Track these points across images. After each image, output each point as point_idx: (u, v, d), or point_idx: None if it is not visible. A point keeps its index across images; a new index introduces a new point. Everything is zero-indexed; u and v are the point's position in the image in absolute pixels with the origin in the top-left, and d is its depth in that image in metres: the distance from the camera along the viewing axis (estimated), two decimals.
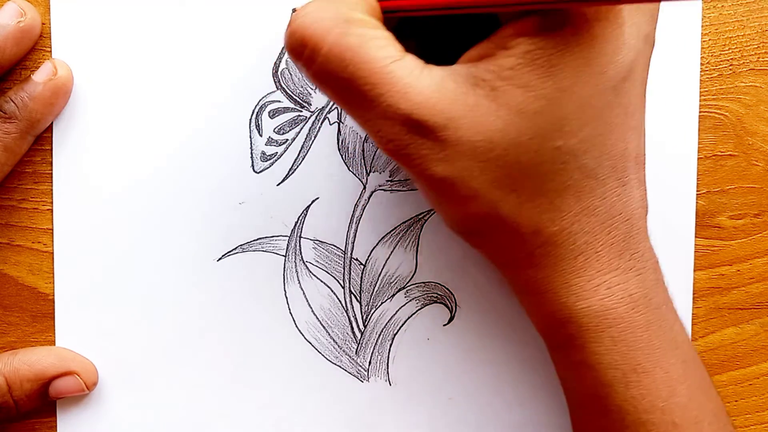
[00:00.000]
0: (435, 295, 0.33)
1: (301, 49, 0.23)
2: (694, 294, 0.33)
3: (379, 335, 0.33)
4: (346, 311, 0.33)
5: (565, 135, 0.23)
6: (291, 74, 0.32)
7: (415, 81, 0.23)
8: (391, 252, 0.33)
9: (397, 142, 0.23)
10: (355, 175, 0.33)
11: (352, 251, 0.33)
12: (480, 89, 0.23)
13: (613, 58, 0.23)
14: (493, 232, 0.25)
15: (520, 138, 0.23)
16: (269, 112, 0.32)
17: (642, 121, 0.26)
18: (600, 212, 0.25)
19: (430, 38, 0.29)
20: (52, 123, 0.32)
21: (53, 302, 0.32)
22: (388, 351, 0.33)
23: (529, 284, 0.26)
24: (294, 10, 0.27)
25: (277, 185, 0.32)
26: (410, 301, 0.33)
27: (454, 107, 0.23)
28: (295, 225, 0.33)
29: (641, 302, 0.25)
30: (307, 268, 0.33)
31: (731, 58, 0.33)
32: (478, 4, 0.23)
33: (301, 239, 0.33)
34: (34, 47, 0.31)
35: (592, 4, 0.22)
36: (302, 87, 0.32)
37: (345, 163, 0.33)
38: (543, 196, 0.24)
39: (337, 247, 0.33)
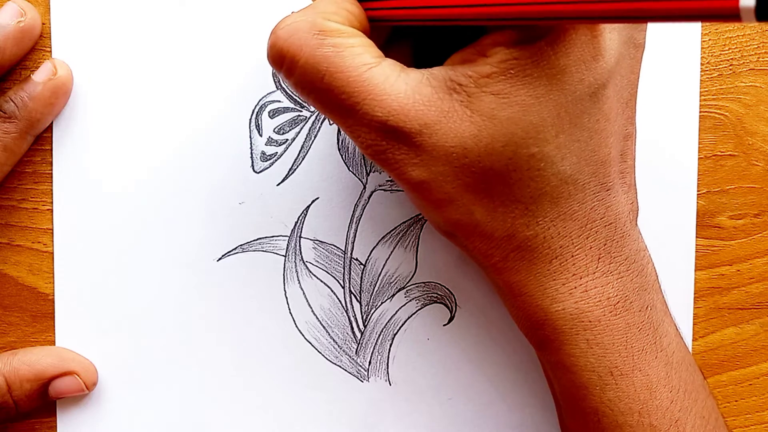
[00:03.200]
0: (435, 295, 0.33)
1: (280, 62, 0.24)
2: (694, 294, 0.33)
3: (379, 335, 0.33)
4: (346, 311, 0.33)
5: (540, 142, 0.23)
6: None
7: (390, 87, 0.23)
8: (391, 252, 0.33)
9: (375, 147, 0.24)
10: (355, 175, 0.33)
11: (352, 251, 0.33)
12: (456, 95, 0.23)
13: (591, 65, 0.23)
14: (469, 235, 0.26)
15: (493, 144, 0.23)
16: (269, 112, 0.32)
17: (628, 124, 0.26)
18: (578, 216, 0.25)
19: (425, 38, 0.29)
20: (52, 123, 0.32)
21: (53, 302, 0.32)
22: (388, 351, 0.33)
23: (506, 286, 0.26)
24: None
25: (277, 185, 0.32)
26: (410, 301, 0.33)
27: (429, 113, 0.23)
28: (295, 225, 0.33)
29: (621, 305, 0.25)
30: (307, 268, 0.33)
31: (731, 58, 0.33)
32: (457, 17, 0.23)
33: (301, 239, 0.33)
34: (34, 47, 0.31)
35: (570, 22, 0.22)
36: None
37: (345, 163, 0.33)
38: (517, 201, 0.24)
39: (337, 247, 0.33)
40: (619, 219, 0.26)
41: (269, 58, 0.25)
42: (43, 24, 0.31)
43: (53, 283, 0.32)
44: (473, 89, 0.23)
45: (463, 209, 0.25)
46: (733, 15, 0.17)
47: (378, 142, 0.24)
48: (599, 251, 0.25)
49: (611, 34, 0.24)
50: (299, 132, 0.32)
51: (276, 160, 0.32)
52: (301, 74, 0.24)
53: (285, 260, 0.33)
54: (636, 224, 0.27)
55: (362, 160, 0.33)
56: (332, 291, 0.33)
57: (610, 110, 0.25)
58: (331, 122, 0.32)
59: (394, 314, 0.33)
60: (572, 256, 0.25)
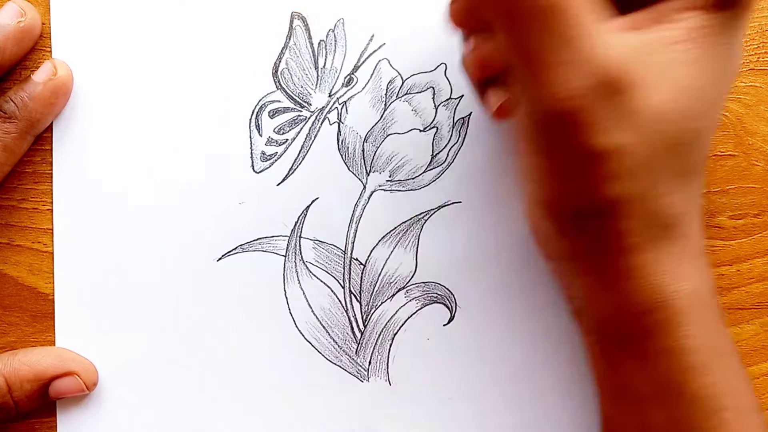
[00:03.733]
0: (435, 295, 0.33)
1: None
2: None
3: (379, 335, 0.33)
4: (346, 311, 0.33)
5: (713, 114, 0.24)
6: (291, 74, 0.32)
7: (613, 35, 0.22)
8: (391, 252, 0.33)
9: (576, 100, 0.21)
10: (355, 175, 0.33)
11: (352, 251, 0.33)
12: (654, 58, 0.22)
13: (740, 50, 0.24)
14: (621, 213, 0.24)
15: (686, 112, 0.23)
16: (269, 112, 0.32)
17: None
18: (696, 198, 0.26)
19: None
20: (52, 123, 0.32)
21: (53, 302, 0.32)
22: (388, 351, 0.33)
23: (619, 272, 0.25)
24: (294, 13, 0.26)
25: (277, 185, 0.32)
26: (410, 301, 0.33)
27: (640, 70, 0.22)
28: (295, 225, 0.33)
29: (713, 287, 0.26)
30: (307, 268, 0.33)
31: None
32: None
33: (301, 239, 0.33)
34: (34, 47, 0.31)
35: None
36: (302, 87, 0.32)
37: (345, 163, 0.33)
38: (683, 174, 0.24)
39: (337, 247, 0.33)
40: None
41: None
42: (43, 24, 0.31)
43: (53, 283, 0.32)
44: (670, 54, 0.22)
45: (633, 184, 0.23)
46: None
47: (584, 91, 0.21)
48: (701, 235, 0.26)
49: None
50: (299, 132, 0.32)
51: (276, 160, 0.32)
52: None
53: (285, 260, 0.33)
54: None
55: (362, 160, 0.33)
56: (332, 291, 0.33)
57: None
58: (344, 118, 0.32)
59: (394, 314, 0.33)
60: (691, 237, 0.25)
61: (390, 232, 0.33)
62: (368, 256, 0.33)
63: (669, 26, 0.23)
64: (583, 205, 0.24)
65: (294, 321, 0.33)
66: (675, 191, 0.24)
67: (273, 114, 0.32)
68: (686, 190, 0.25)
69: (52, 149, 0.32)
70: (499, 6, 0.21)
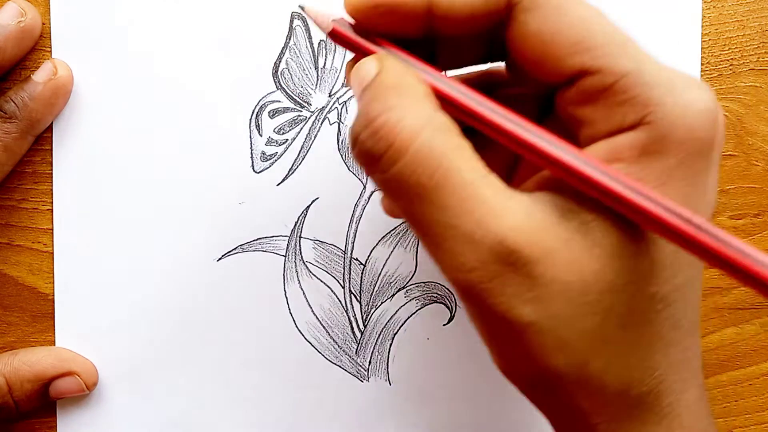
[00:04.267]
0: (435, 294, 0.33)
1: (383, 148, 0.20)
2: None
3: (379, 335, 0.33)
4: (346, 311, 0.33)
5: (660, 281, 0.20)
6: (291, 74, 0.32)
7: (504, 202, 0.19)
8: (391, 252, 0.33)
9: (481, 271, 0.19)
10: (355, 175, 0.33)
11: (352, 251, 0.33)
12: (569, 222, 0.20)
13: (708, 197, 0.21)
14: (575, 391, 0.21)
15: (616, 281, 0.20)
16: (269, 112, 0.32)
17: None
18: (680, 369, 0.22)
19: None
20: (52, 123, 0.32)
21: (53, 302, 0.32)
22: (388, 351, 0.33)
23: None
24: (302, 8, 0.23)
25: (277, 185, 0.32)
26: (410, 300, 0.33)
27: (548, 239, 0.19)
28: (295, 225, 0.33)
29: None
30: (307, 268, 0.33)
31: (731, 58, 0.33)
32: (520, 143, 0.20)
33: (301, 239, 0.33)
34: (34, 47, 0.31)
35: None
36: (302, 87, 0.32)
37: (345, 163, 0.33)
38: (635, 350, 0.21)
39: (337, 247, 0.33)
40: (700, 368, 0.23)
41: (364, 147, 0.20)
42: (43, 24, 0.31)
43: (53, 283, 0.32)
44: (588, 216, 0.20)
45: (575, 359, 0.20)
46: None
47: (486, 265, 0.19)
48: (698, 407, 0.22)
49: (716, 167, 0.21)
50: (299, 132, 0.32)
51: (276, 160, 0.32)
52: (405, 166, 0.20)
53: (285, 260, 0.33)
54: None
55: None
56: (332, 291, 0.33)
57: None
58: (344, 118, 0.32)
59: (394, 314, 0.33)
60: (678, 416, 0.22)
61: (390, 232, 0.33)
62: (368, 256, 0.33)
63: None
64: (523, 376, 0.22)
65: (294, 321, 0.33)
66: (634, 368, 0.21)
67: (273, 114, 0.32)
68: (647, 365, 0.21)
69: (52, 149, 0.32)
70: (392, 190, 0.20)
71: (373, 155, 0.20)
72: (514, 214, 0.19)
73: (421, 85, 0.21)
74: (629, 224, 0.20)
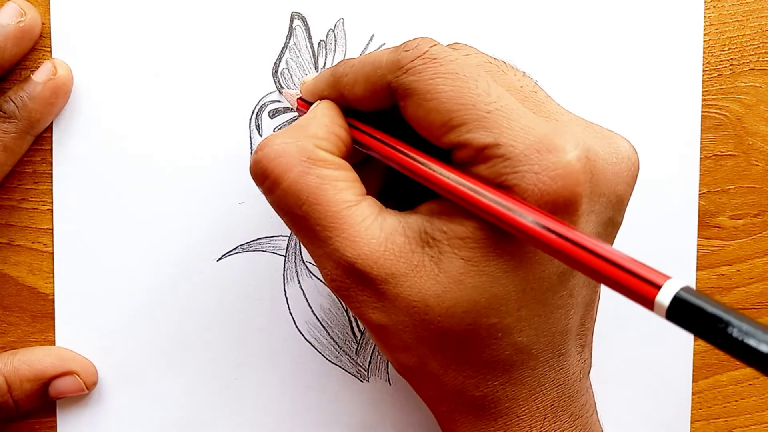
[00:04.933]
0: None
1: (262, 179, 0.25)
2: None
3: None
4: (346, 311, 0.33)
5: (501, 314, 0.23)
6: (291, 74, 0.32)
7: (364, 231, 0.23)
8: None
9: (339, 283, 0.24)
10: None
11: None
12: (429, 248, 0.23)
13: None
14: (421, 382, 0.26)
15: (455, 308, 0.23)
16: (269, 112, 0.32)
17: (592, 293, 0.26)
18: (528, 382, 0.25)
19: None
20: (52, 123, 0.32)
21: (53, 302, 0.32)
22: None
23: None
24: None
25: None
26: None
27: (398, 263, 0.23)
28: None
29: None
30: (307, 268, 0.33)
31: (731, 58, 0.33)
32: (424, 177, 0.24)
33: None
34: (34, 47, 0.31)
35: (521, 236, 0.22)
36: None
37: None
38: (470, 363, 0.24)
39: None
40: (568, 380, 0.26)
41: (251, 172, 0.25)
42: (43, 24, 0.31)
43: (53, 283, 0.32)
44: (446, 247, 0.23)
45: (417, 358, 0.24)
46: (648, 303, 0.19)
47: (342, 279, 0.24)
48: (545, 412, 0.25)
49: (588, 217, 0.23)
50: None
51: None
52: (281, 196, 0.24)
53: (285, 260, 0.33)
54: (587, 378, 0.27)
55: None
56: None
57: (575, 286, 0.25)
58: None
59: None
60: (518, 417, 0.25)
61: None
62: None
63: (460, 220, 0.23)
64: (392, 364, 0.26)
65: (294, 321, 0.33)
66: (469, 377, 0.24)
67: (273, 114, 0.32)
68: (482, 377, 0.24)
69: (52, 149, 0.32)
70: (276, 210, 0.25)
71: (257, 182, 0.25)
72: (370, 240, 0.23)
73: (321, 128, 0.25)
74: (481, 260, 0.23)
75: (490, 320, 0.23)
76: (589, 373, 0.27)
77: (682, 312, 0.18)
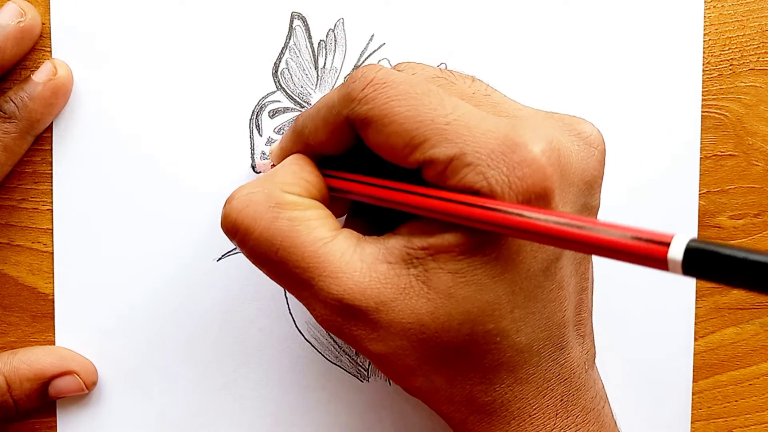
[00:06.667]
0: None
1: (234, 233, 0.24)
2: (695, 294, 0.33)
3: None
4: None
5: (495, 319, 0.23)
6: (291, 74, 0.32)
7: (345, 265, 0.23)
8: None
9: (332, 322, 0.24)
10: None
11: None
12: (413, 269, 0.23)
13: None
14: (432, 400, 0.26)
15: (450, 322, 0.23)
16: (269, 112, 0.32)
17: (582, 280, 0.26)
18: (534, 379, 0.25)
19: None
20: (52, 123, 0.32)
21: (53, 302, 0.32)
22: None
23: None
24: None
25: None
26: None
27: (385, 290, 0.23)
28: None
29: None
30: None
31: (731, 58, 0.33)
32: (406, 204, 0.24)
33: None
34: (34, 47, 0.31)
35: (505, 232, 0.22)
36: (302, 87, 0.32)
37: None
38: (475, 371, 0.24)
39: None
40: (573, 372, 0.26)
41: (222, 227, 0.25)
42: (43, 24, 0.31)
43: (53, 283, 0.32)
44: (431, 264, 0.23)
45: (423, 378, 0.25)
46: (661, 263, 0.18)
47: (334, 318, 0.24)
48: (556, 408, 0.25)
49: (564, 207, 0.23)
50: None
51: None
52: (254, 247, 0.24)
53: None
54: (593, 367, 0.27)
55: None
56: None
57: (563, 278, 0.25)
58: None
59: None
60: (530, 416, 0.25)
61: None
62: None
63: (440, 235, 0.23)
64: (404, 389, 0.26)
65: (294, 321, 0.33)
66: (476, 384, 0.25)
67: (273, 114, 0.32)
68: (489, 382, 0.25)
69: (52, 149, 0.32)
70: (253, 261, 0.25)
71: (229, 237, 0.25)
72: (353, 273, 0.23)
73: (288, 174, 0.25)
74: (467, 270, 0.23)
75: (486, 327, 0.23)
76: (594, 361, 0.27)
77: (697, 262, 0.18)
